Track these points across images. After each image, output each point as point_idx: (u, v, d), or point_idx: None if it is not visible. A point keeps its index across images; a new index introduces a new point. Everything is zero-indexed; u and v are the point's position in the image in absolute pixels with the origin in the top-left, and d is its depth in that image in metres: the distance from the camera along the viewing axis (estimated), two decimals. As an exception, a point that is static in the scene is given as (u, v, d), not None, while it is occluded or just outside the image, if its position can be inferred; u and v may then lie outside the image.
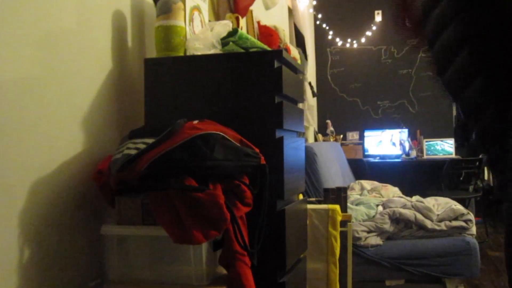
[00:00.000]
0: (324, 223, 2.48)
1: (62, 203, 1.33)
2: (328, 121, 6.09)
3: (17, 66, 1.19)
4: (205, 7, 1.89)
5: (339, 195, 2.71)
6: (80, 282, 1.39)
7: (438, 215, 3.21)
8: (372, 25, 6.23)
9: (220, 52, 1.67)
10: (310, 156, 3.62)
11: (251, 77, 1.50)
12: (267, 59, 1.50)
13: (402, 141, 5.82)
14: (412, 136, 5.93)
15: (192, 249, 1.23)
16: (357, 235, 3.11)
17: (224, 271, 1.29)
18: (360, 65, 6.29)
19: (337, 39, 6.31)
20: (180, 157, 1.21)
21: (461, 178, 5.24)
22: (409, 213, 3.19)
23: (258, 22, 2.59)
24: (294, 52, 2.75)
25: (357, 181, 4.58)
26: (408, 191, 4.15)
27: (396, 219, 3.21)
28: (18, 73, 1.19)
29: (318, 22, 6.29)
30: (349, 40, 6.30)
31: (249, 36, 1.75)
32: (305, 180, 1.96)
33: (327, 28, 6.28)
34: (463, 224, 3.18)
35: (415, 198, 3.63)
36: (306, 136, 5.14)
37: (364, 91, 6.27)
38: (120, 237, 1.29)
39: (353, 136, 6.24)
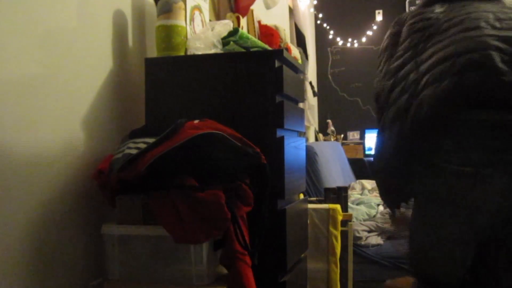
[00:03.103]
0: (324, 223, 2.48)
1: (62, 202, 1.33)
2: (329, 121, 6.09)
3: (18, 65, 1.18)
4: (206, 7, 1.89)
5: (339, 195, 2.71)
6: (81, 282, 1.39)
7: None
8: (372, 24, 6.22)
9: (221, 51, 1.67)
10: (310, 155, 3.62)
11: (251, 76, 1.50)
12: (268, 59, 1.50)
13: None
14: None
15: (193, 249, 1.23)
16: (357, 234, 3.11)
17: (225, 271, 1.29)
18: (361, 64, 6.28)
19: (338, 39, 6.31)
20: (181, 156, 1.21)
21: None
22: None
23: (259, 22, 2.59)
24: (295, 52, 2.75)
25: (357, 181, 4.58)
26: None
27: (397, 219, 3.21)
28: (19, 73, 1.19)
29: (319, 22, 6.28)
30: (349, 39, 6.29)
31: (250, 36, 1.74)
32: (305, 179, 1.96)
33: (328, 27, 6.27)
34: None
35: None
36: (306, 135, 5.14)
37: (365, 90, 6.26)
38: (120, 237, 1.29)
39: (353, 135, 6.24)
